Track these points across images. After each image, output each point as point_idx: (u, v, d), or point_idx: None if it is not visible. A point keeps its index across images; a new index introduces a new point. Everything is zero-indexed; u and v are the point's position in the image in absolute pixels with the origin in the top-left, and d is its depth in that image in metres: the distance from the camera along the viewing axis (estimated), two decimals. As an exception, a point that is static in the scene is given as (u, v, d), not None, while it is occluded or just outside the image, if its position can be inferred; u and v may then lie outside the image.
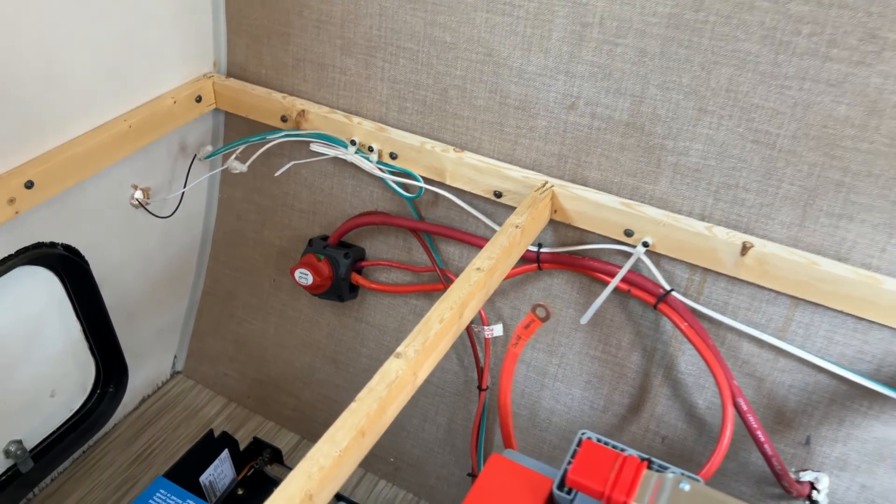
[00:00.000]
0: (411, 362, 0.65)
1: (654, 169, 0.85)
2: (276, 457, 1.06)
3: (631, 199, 0.87)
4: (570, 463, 0.61)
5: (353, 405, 0.62)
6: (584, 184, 0.90)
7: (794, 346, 0.84)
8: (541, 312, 0.77)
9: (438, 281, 1.04)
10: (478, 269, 0.75)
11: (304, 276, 1.05)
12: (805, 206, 0.79)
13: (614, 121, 0.85)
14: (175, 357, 1.33)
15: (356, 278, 1.09)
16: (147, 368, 1.27)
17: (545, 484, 0.62)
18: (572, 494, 0.60)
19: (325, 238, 1.10)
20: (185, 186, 1.08)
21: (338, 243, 1.09)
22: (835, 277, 0.78)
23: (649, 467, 0.60)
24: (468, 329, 1.03)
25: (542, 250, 0.94)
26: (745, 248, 0.81)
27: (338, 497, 0.99)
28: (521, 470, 0.64)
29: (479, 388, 1.04)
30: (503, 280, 0.87)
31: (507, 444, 0.85)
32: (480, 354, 1.04)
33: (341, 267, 1.07)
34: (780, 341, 0.84)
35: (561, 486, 0.61)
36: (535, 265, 0.95)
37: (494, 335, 1.01)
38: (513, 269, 0.91)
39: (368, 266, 1.10)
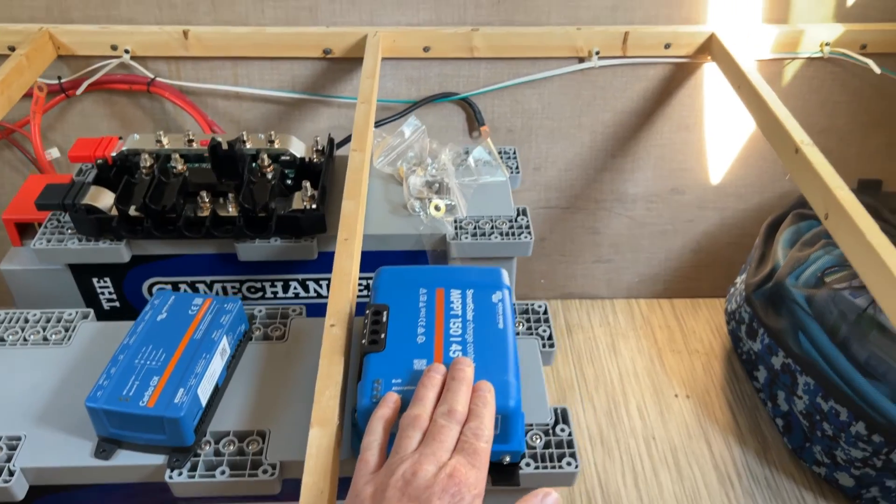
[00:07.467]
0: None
1: (116, 1, 1.24)
2: None
3: (107, 23, 1.25)
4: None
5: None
6: (71, 22, 1.25)
7: (246, 88, 1.32)
8: (41, 89, 1.17)
9: None
10: (-5, 82, 1.08)
11: None
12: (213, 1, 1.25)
13: (72, -28, 1.21)
14: None
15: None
16: None
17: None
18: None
19: None
20: None
21: None
22: (249, 35, 1.26)
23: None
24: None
25: (63, 81, 1.28)
26: (185, 34, 1.25)
27: None
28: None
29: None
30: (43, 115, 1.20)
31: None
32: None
33: None
34: (237, 87, 1.32)
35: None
36: (62, 94, 1.29)
37: (53, 157, 1.34)
38: (47, 104, 1.26)
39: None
